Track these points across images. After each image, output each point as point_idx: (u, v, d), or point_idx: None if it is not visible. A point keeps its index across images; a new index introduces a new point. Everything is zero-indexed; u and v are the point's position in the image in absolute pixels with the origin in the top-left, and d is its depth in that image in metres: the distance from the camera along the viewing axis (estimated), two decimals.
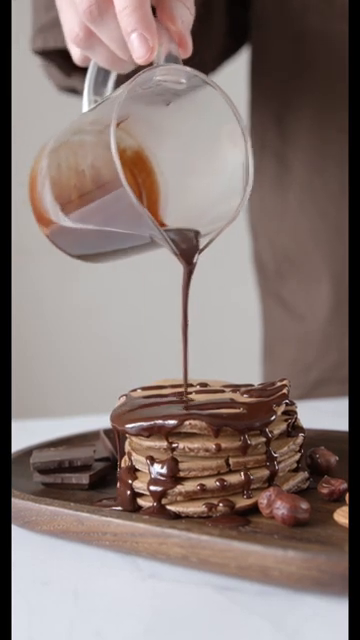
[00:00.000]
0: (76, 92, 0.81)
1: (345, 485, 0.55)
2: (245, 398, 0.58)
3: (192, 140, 0.62)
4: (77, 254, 0.65)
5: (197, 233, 0.58)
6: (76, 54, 0.65)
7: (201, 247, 0.58)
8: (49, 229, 0.64)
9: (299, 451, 0.58)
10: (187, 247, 0.57)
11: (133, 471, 0.57)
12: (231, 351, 1.94)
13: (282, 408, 0.58)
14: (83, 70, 0.76)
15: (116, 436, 0.60)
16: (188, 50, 0.58)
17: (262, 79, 0.91)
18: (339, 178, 0.85)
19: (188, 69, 0.57)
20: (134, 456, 0.57)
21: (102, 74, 0.64)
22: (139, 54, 0.55)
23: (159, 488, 0.55)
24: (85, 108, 0.64)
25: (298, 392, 0.90)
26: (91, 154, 0.57)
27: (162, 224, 0.61)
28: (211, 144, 0.61)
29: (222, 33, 0.88)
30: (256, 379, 0.70)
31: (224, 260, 1.75)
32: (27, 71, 1.82)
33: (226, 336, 2.00)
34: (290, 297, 0.92)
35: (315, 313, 0.89)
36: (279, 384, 0.60)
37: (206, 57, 0.85)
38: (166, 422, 0.55)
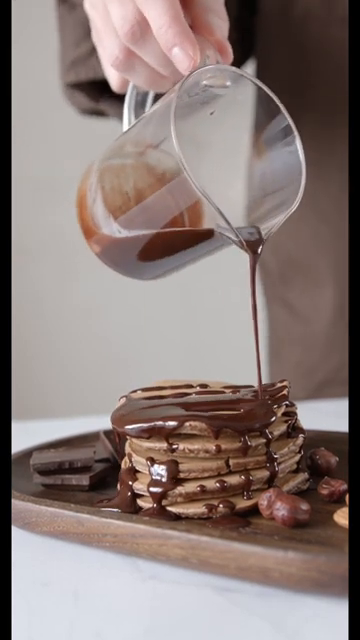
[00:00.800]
0: (101, 115, 0.84)
1: (345, 486, 0.55)
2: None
3: (234, 146, 0.63)
4: (147, 277, 0.65)
5: (257, 228, 0.60)
6: (114, 79, 0.67)
7: (265, 238, 0.59)
8: (101, 247, 0.63)
9: (299, 452, 0.58)
10: (253, 239, 0.59)
11: (133, 472, 0.57)
12: (237, 353, 1.94)
13: (282, 409, 0.58)
14: (111, 95, 0.78)
15: (117, 437, 0.60)
16: (229, 56, 0.60)
17: None
18: (340, 183, 0.87)
19: (234, 68, 0.58)
20: (134, 457, 0.57)
21: (141, 96, 0.66)
22: (184, 66, 0.56)
23: (159, 489, 0.55)
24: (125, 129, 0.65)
25: (304, 393, 0.92)
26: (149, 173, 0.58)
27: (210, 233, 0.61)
28: (251, 148, 0.63)
29: (232, 43, 0.89)
30: (263, 381, 0.69)
31: (228, 263, 1.75)
32: (27, 71, 1.82)
33: (232, 338, 2.00)
34: (294, 300, 0.94)
35: (319, 316, 0.91)
36: (279, 385, 0.60)
37: None
38: (166, 423, 0.55)
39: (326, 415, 0.79)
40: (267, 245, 0.94)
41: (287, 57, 0.89)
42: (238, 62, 0.94)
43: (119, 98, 0.77)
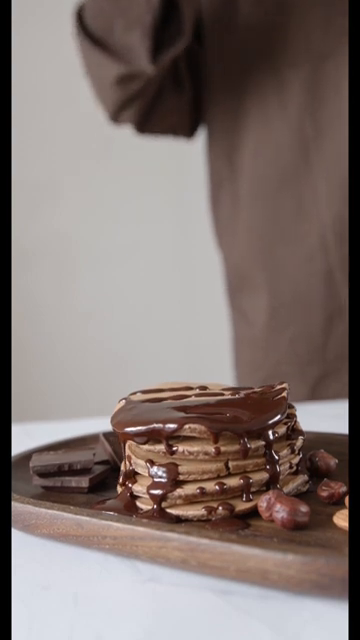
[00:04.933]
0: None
1: (345, 488, 0.55)
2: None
3: None
4: None
5: None
6: None
7: None
8: None
9: (298, 454, 0.58)
10: None
11: (133, 474, 0.57)
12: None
13: (282, 411, 0.58)
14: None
15: (118, 440, 0.60)
16: None
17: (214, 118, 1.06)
18: (274, 209, 1.02)
19: None
20: (134, 459, 0.57)
21: None
22: None
23: (159, 491, 0.55)
24: None
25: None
26: None
27: None
28: None
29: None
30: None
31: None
32: (28, 73, 1.82)
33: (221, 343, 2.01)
34: (244, 306, 1.09)
35: (258, 319, 1.06)
36: (278, 387, 0.60)
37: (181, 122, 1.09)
38: (166, 426, 0.55)
39: (325, 417, 0.79)
40: (225, 261, 1.12)
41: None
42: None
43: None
